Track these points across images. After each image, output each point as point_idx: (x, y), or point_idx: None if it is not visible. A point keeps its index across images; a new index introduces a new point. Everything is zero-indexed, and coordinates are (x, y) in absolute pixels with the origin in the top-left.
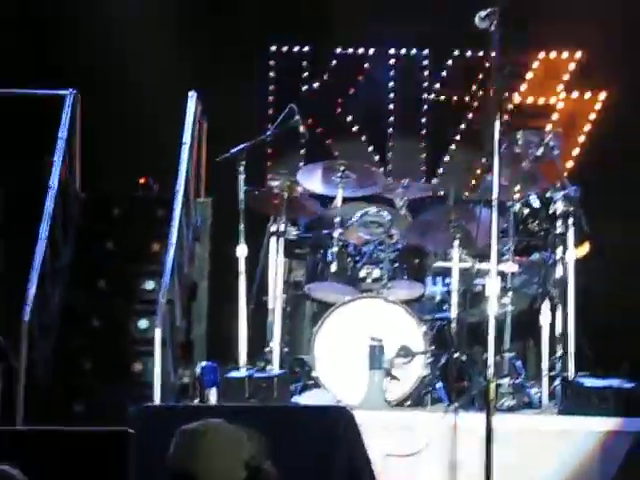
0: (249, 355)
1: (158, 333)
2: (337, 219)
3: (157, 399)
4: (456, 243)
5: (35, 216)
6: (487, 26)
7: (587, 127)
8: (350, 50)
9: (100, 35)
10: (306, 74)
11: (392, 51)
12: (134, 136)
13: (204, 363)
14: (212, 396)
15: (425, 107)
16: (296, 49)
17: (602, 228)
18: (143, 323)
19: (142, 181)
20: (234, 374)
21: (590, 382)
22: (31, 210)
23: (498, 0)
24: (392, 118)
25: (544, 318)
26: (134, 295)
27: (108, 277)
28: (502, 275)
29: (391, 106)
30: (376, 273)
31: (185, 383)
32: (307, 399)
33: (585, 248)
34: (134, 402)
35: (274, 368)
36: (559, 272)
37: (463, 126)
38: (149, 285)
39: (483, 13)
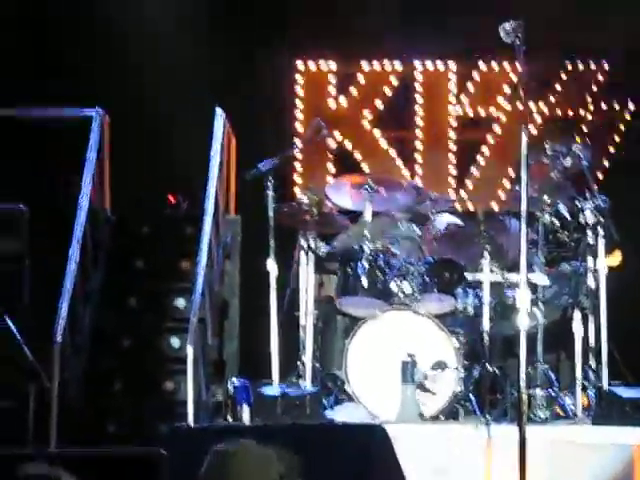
0: (282, 371)
1: (190, 351)
2: (367, 233)
3: (190, 418)
4: (486, 255)
5: (64, 236)
6: (512, 39)
7: (617, 138)
8: (376, 64)
9: (130, 53)
10: (333, 89)
11: (418, 64)
12: (162, 153)
13: (236, 381)
14: (245, 414)
15: (453, 121)
16: (322, 64)
17: (632, 237)
18: (175, 341)
19: (171, 199)
20: (267, 391)
21: (624, 392)
22: (60, 229)
23: (523, 13)
24: (420, 132)
25: (576, 329)
26: (165, 313)
27: (139, 295)
28: (533, 287)
29: (419, 120)
30: (406, 287)
31: (218, 401)
32: (340, 413)
33: (617, 257)
34: (167, 421)
35: (307, 384)
36: (590, 282)
37: (491, 140)
38: (180, 303)
39: (508, 26)
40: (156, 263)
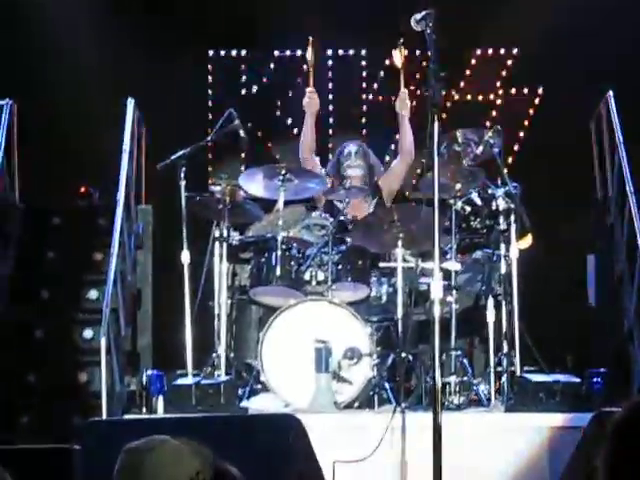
0: (196, 362)
1: (103, 342)
2: (280, 222)
3: (104, 410)
4: (399, 243)
5: None
6: (423, 28)
7: (526, 123)
8: (288, 52)
9: (36, 42)
10: (244, 77)
11: (330, 52)
12: (73, 145)
13: (150, 371)
14: (159, 404)
15: (364, 107)
16: (234, 52)
17: (543, 224)
18: (88, 333)
19: (82, 190)
20: (181, 381)
21: (537, 378)
22: None
23: (433, 2)
24: (332, 119)
25: (489, 315)
26: (77, 305)
27: (50, 287)
28: (446, 274)
29: (330, 107)
30: (320, 276)
31: (132, 391)
32: (255, 403)
33: (528, 240)
34: (81, 414)
35: (221, 374)
36: (503, 269)
37: None
38: (93, 294)
39: (418, 15)
40: (68, 254)
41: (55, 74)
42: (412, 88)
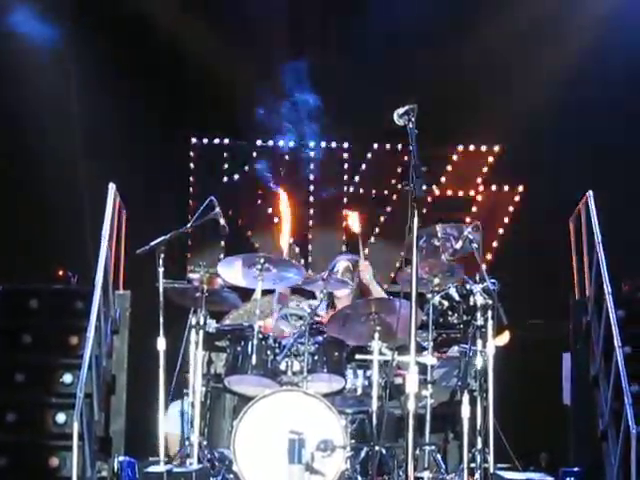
0: (168, 449)
1: (76, 428)
2: (257, 311)
3: None
4: (376, 336)
5: None
6: (405, 123)
7: (506, 220)
8: (270, 142)
9: (18, 125)
10: (227, 166)
11: (312, 144)
12: (52, 229)
13: (122, 458)
14: None
15: (345, 200)
16: (217, 141)
17: (519, 320)
18: (61, 417)
19: (60, 273)
20: (153, 469)
21: (510, 475)
22: None
23: (415, 98)
24: (312, 211)
25: (464, 411)
26: (52, 389)
27: (25, 371)
28: (422, 368)
29: (311, 198)
30: (296, 366)
31: (103, 477)
32: None
33: (505, 337)
34: None
35: (193, 462)
36: (479, 364)
37: (382, 219)
38: (67, 379)
39: (401, 110)
40: (44, 338)
41: (36, 155)
42: (393, 182)
